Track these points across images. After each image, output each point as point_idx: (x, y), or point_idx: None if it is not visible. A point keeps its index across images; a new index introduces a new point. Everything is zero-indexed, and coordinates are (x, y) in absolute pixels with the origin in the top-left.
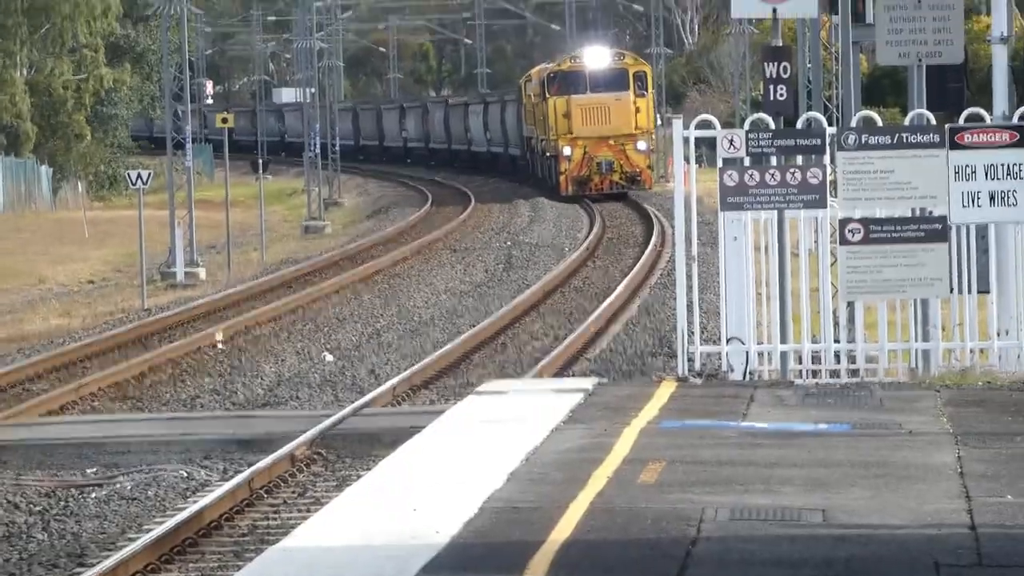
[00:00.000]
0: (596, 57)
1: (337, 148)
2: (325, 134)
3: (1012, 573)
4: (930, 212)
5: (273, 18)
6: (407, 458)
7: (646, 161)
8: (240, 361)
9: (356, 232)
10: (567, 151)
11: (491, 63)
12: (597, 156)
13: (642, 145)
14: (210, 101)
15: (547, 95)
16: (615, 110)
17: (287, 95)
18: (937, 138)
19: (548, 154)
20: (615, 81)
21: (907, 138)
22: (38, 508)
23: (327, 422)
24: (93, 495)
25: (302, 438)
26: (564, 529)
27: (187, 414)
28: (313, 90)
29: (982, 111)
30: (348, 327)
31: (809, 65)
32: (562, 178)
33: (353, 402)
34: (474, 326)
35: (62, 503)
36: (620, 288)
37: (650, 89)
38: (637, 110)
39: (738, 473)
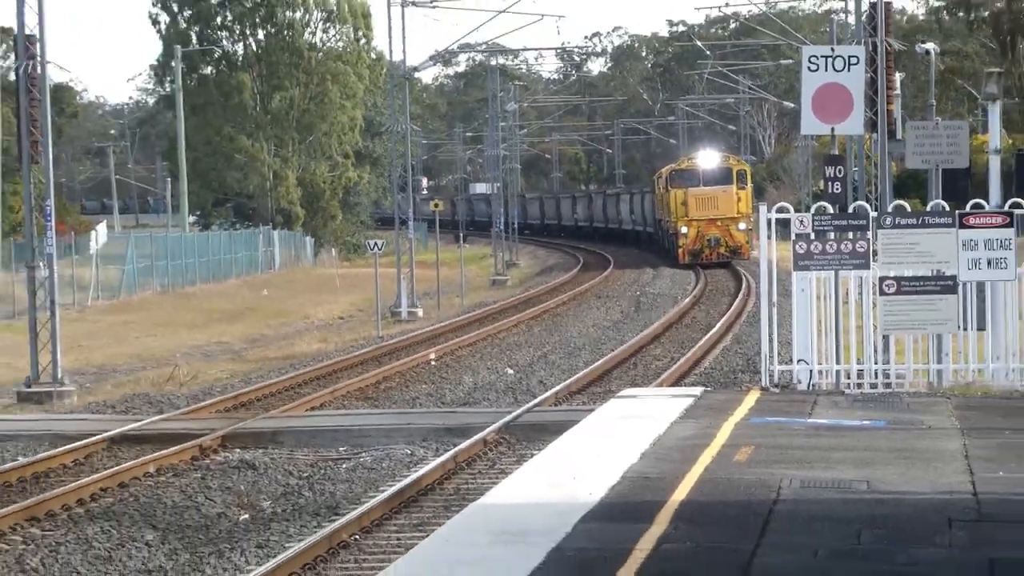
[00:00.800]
0: (707, 159)
1: (515, 225)
2: (510, 216)
3: (1003, 526)
4: (944, 272)
5: (470, 133)
6: (567, 442)
7: (745, 238)
8: (447, 373)
9: (529, 284)
10: (684, 230)
11: (625, 166)
12: (707, 234)
13: (742, 226)
14: (425, 192)
15: (669, 187)
16: (722, 199)
17: (480, 188)
18: (950, 220)
19: (671, 232)
20: (722, 177)
21: (928, 220)
22: (305, 475)
23: (509, 416)
24: (344, 466)
25: (491, 427)
26: (681, 492)
27: (410, 410)
28: (499, 184)
29: (982, 201)
30: (523, 350)
31: (855, 168)
32: (680, 250)
33: (528, 403)
34: (614, 350)
35: (322, 471)
36: (718, 325)
37: (749, 183)
38: (739, 199)
39: (806, 455)
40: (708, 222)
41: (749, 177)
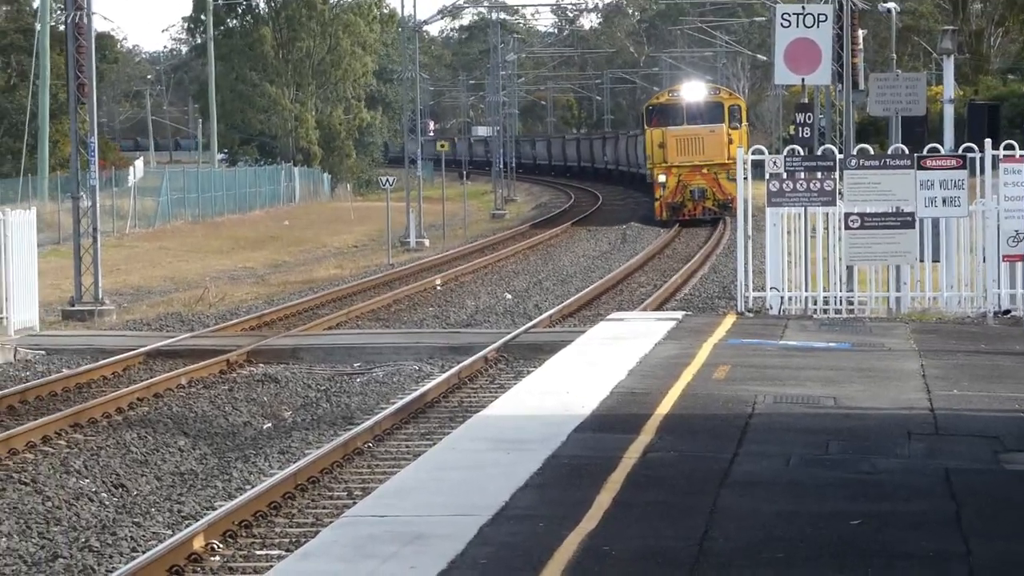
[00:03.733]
0: (693, 91)
1: (513, 165)
2: (508, 156)
3: (957, 439)
4: (903, 209)
5: (472, 81)
6: (561, 361)
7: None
8: (451, 297)
9: (525, 218)
10: (662, 179)
11: (612, 111)
12: (691, 184)
13: None
14: (431, 134)
15: (646, 127)
16: (709, 141)
17: (481, 131)
18: (909, 162)
19: (650, 180)
20: (710, 113)
21: (889, 162)
22: (323, 388)
23: (508, 336)
24: (358, 380)
25: (492, 346)
26: (665, 406)
27: (418, 330)
28: (498, 128)
29: (937, 145)
30: (521, 277)
31: (821, 116)
32: (657, 204)
33: (524, 324)
34: (602, 278)
35: (338, 384)
36: (697, 256)
37: (744, 122)
38: (730, 141)
39: (778, 373)
40: (691, 169)
41: (744, 114)
